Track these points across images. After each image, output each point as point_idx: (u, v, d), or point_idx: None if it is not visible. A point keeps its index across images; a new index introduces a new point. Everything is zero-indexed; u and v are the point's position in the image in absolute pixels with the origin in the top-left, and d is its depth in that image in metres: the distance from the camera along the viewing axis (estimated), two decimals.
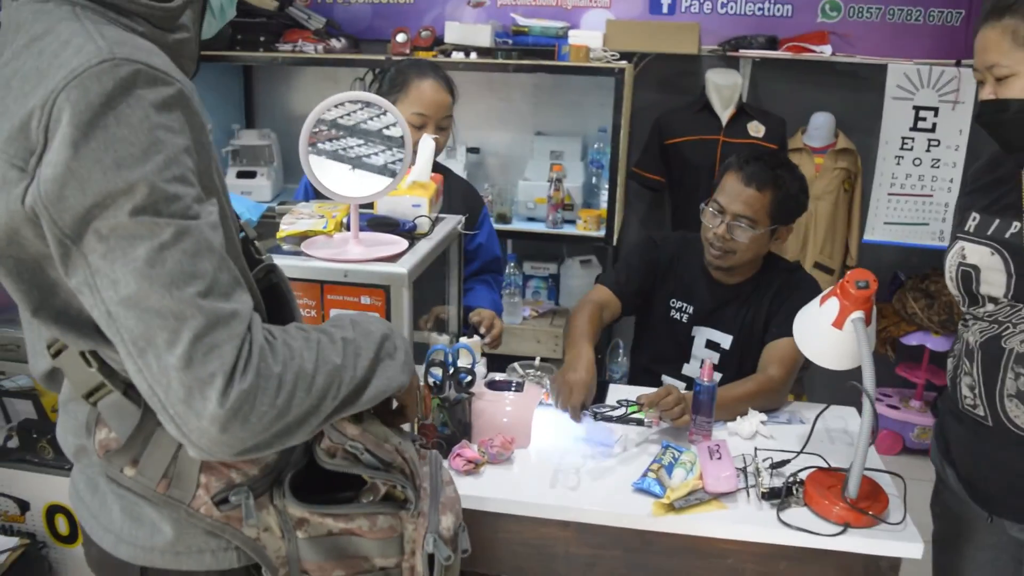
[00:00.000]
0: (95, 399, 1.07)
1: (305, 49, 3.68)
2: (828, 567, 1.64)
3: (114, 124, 0.88)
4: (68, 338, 1.04)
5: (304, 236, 1.83)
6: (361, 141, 1.70)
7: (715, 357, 2.31)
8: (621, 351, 2.90)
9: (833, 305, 1.70)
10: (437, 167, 2.27)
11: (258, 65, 4.08)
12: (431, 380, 1.82)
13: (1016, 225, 1.55)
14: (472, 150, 3.93)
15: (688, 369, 2.36)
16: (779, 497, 1.69)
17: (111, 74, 0.88)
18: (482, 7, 3.90)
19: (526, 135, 3.93)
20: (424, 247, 1.82)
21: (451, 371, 1.81)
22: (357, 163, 1.71)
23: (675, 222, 3.71)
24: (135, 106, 0.89)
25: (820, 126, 3.56)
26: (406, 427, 1.31)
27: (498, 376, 2.05)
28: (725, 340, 2.31)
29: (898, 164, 3.50)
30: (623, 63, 3.40)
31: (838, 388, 1.80)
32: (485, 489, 1.73)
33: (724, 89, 3.51)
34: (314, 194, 2.37)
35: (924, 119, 3.42)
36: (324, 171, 1.68)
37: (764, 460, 1.81)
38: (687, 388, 2.22)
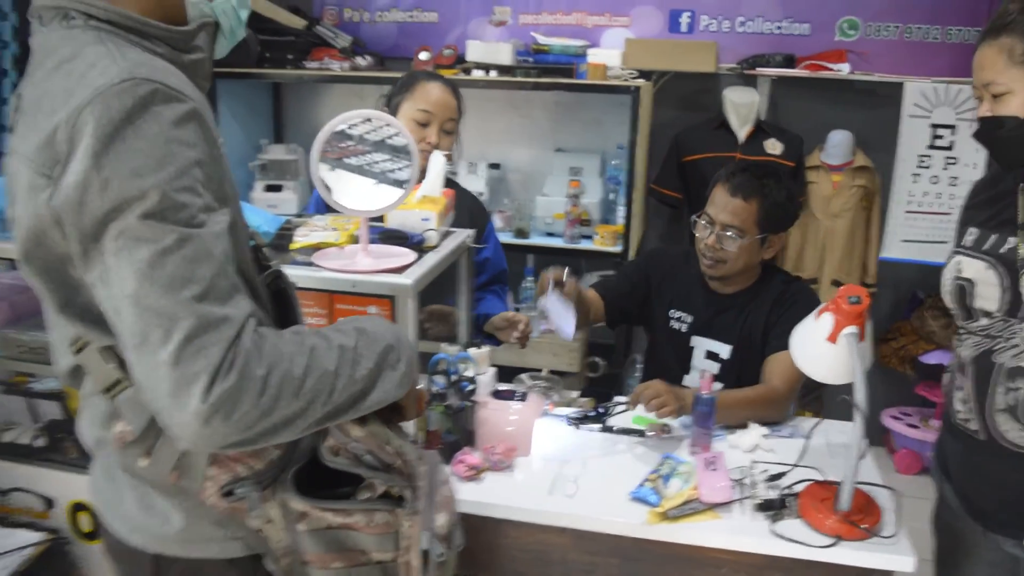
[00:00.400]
0: (113, 394, 1.14)
1: (332, 67, 3.77)
2: None
3: (132, 137, 0.96)
4: (90, 334, 1.12)
5: (317, 248, 1.89)
6: (387, 156, 1.76)
7: (715, 367, 2.34)
8: (638, 365, 2.94)
9: (828, 320, 1.73)
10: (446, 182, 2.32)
11: (286, 82, 4.18)
12: (434, 388, 1.87)
13: (1012, 240, 1.57)
14: (493, 166, 3.99)
15: (688, 380, 2.39)
16: (773, 509, 1.71)
17: (131, 92, 0.97)
18: (504, 26, 3.97)
19: (546, 151, 3.98)
20: (431, 259, 1.88)
21: (453, 379, 1.86)
22: (381, 178, 1.77)
23: (692, 238, 3.72)
24: (152, 121, 0.97)
25: (838, 144, 3.57)
26: (407, 428, 1.36)
27: (502, 386, 2.09)
28: (724, 350, 2.34)
29: (915, 182, 3.51)
30: (639, 81, 3.45)
31: None
32: (486, 495, 1.78)
33: (741, 107, 3.54)
34: (324, 207, 2.44)
35: (941, 137, 3.43)
36: (342, 185, 1.74)
37: (761, 472, 1.84)
38: None
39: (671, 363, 2.43)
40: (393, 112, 2.37)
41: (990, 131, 1.58)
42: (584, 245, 3.62)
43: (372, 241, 1.89)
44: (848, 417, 2.07)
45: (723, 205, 2.24)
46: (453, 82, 2.51)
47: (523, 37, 3.86)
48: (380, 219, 2.01)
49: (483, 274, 2.55)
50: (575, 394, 2.30)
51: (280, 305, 1.28)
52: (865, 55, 3.61)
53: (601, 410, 2.14)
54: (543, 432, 2.04)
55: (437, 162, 2.16)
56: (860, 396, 1.63)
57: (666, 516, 1.69)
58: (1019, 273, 1.55)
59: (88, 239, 0.97)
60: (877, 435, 3.96)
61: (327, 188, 1.72)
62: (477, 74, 3.60)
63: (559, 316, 2.14)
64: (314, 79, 3.82)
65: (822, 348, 1.75)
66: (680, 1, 3.79)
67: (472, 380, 1.89)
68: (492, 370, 2.18)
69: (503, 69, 3.61)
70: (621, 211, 3.63)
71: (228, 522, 1.18)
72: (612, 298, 2.48)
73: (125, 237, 0.96)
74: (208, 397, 0.94)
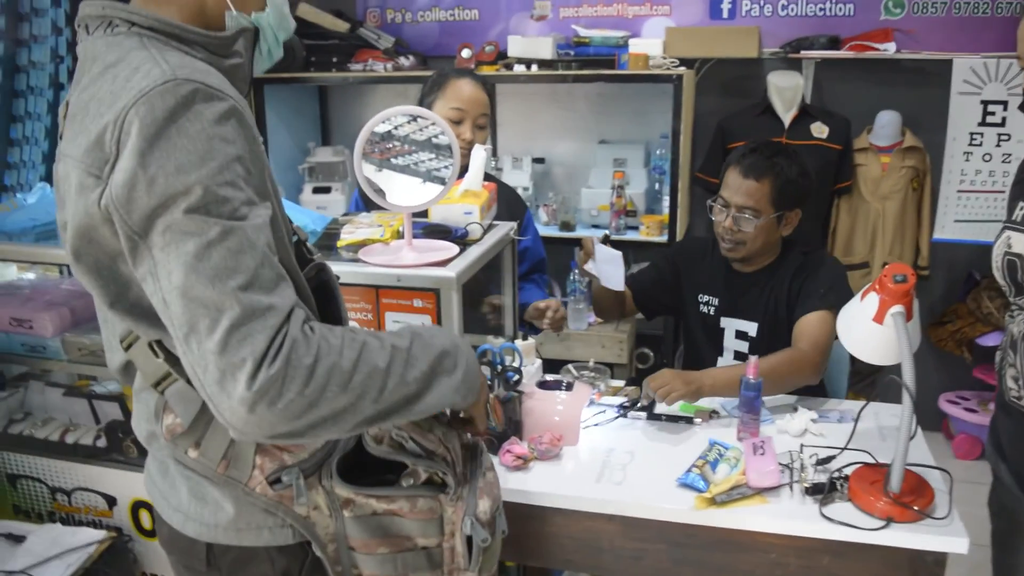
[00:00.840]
0: (162, 387, 1.18)
1: (375, 68, 3.82)
2: (872, 562, 1.65)
3: (176, 135, 1.00)
4: (140, 328, 1.16)
5: (363, 244, 1.92)
6: (431, 155, 1.79)
7: (744, 347, 2.35)
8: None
9: (873, 300, 1.71)
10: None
11: (332, 85, 4.24)
12: None
13: None
14: (537, 160, 4.00)
15: (722, 362, 2.41)
16: (822, 492, 1.70)
17: (173, 92, 1.01)
18: (545, 20, 3.98)
19: (590, 144, 3.98)
20: (474, 252, 1.90)
21: (499, 369, 1.88)
22: (427, 176, 1.80)
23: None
24: (194, 119, 1.01)
25: (886, 124, 3.52)
26: None
27: (549, 377, 2.11)
28: (752, 328, 2.35)
29: (967, 160, 3.44)
30: (681, 69, 3.43)
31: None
32: (533, 484, 1.80)
33: (786, 91, 3.51)
34: (364, 205, 2.48)
35: (993, 113, 3.35)
36: (390, 184, 1.77)
37: (810, 456, 1.83)
38: None
39: (705, 347, 2.45)
40: None
41: None
42: (630, 236, 3.62)
43: (416, 236, 1.92)
44: (899, 399, 2.05)
45: (737, 187, 2.24)
46: (483, 77, 2.55)
47: (564, 30, 3.87)
48: (424, 214, 2.04)
49: (523, 263, 2.57)
50: (621, 383, 2.31)
51: (323, 298, 1.31)
52: (912, 33, 3.54)
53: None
54: (590, 421, 2.05)
55: (479, 157, 2.18)
56: (908, 376, 1.61)
57: (714, 501, 1.69)
58: None
59: (137, 235, 1.01)
60: (935, 420, 3.90)
61: (372, 185, 1.75)
62: (519, 69, 3.62)
63: (608, 265, 2.17)
64: (359, 81, 3.87)
65: (868, 328, 1.74)
66: None
67: (518, 370, 1.91)
68: (538, 362, 2.20)
69: (544, 63, 3.62)
70: (666, 201, 3.62)
71: (276, 509, 1.21)
72: (639, 289, 2.53)
73: (172, 231, 0.99)
74: (253, 384, 0.96)
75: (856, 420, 1.85)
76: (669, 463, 1.85)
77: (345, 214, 2.34)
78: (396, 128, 1.77)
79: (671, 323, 3.73)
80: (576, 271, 2.85)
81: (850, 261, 3.63)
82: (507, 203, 2.55)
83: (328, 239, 2.01)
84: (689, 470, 1.78)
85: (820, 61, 3.59)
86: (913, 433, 1.63)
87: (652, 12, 3.85)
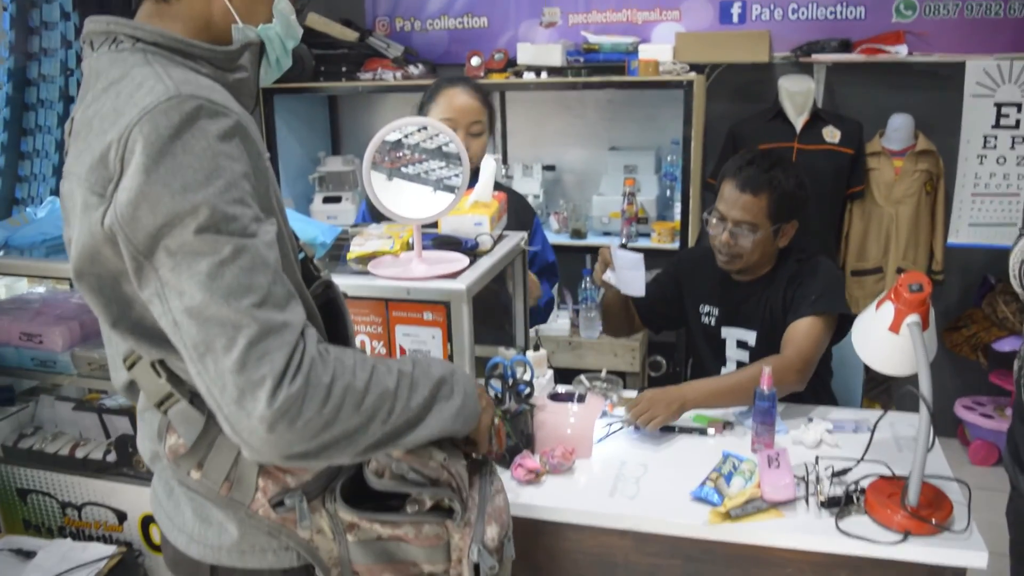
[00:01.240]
0: (165, 407, 1.17)
1: (385, 77, 3.81)
2: None
3: (181, 152, 0.98)
4: (142, 348, 1.15)
5: (372, 256, 1.91)
6: (442, 164, 1.78)
7: (745, 356, 2.34)
8: None
9: (888, 310, 1.69)
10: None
11: (341, 94, 4.24)
12: (492, 392, 1.87)
13: None
14: (548, 168, 3.99)
15: (726, 372, 2.39)
16: (838, 505, 1.68)
17: (177, 109, 0.99)
18: (554, 27, 3.97)
19: (600, 151, 3.97)
20: (485, 264, 1.88)
21: (510, 383, 1.87)
22: (437, 185, 1.79)
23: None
24: (199, 136, 1.00)
25: (899, 128, 3.49)
26: None
27: (561, 388, 2.09)
28: (751, 337, 2.33)
29: (981, 163, 3.40)
30: (692, 75, 3.42)
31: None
32: (546, 499, 1.78)
33: (797, 96, 3.48)
34: (371, 216, 2.47)
35: (1007, 115, 3.32)
36: (401, 194, 1.76)
37: (825, 468, 1.80)
38: None
39: (708, 358, 2.44)
40: None
41: None
42: (642, 243, 3.60)
43: (426, 247, 1.91)
44: (915, 409, 2.03)
45: (733, 201, 2.21)
46: (477, 84, 2.53)
47: (573, 37, 3.86)
48: (434, 225, 2.03)
49: (532, 267, 2.56)
50: (634, 394, 2.29)
51: (330, 316, 1.29)
52: (923, 35, 3.51)
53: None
54: (602, 433, 2.03)
55: (488, 167, 2.17)
56: (925, 387, 1.58)
57: (728, 516, 1.67)
58: None
59: (141, 255, 1.00)
60: (950, 426, 3.86)
61: (380, 196, 1.74)
62: (528, 77, 3.60)
63: (629, 271, 2.16)
64: (368, 90, 3.87)
65: (884, 338, 1.72)
66: None
67: (529, 383, 1.89)
68: (550, 372, 2.18)
69: (554, 70, 3.61)
70: (678, 207, 3.60)
71: (279, 532, 1.20)
72: (644, 304, 2.50)
73: (183, 252, 0.98)
74: (274, 402, 0.96)
75: (872, 431, 1.82)
76: (683, 476, 1.83)
77: (354, 225, 2.34)
78: (406, 137, 1.76)
79: (684, 332, 3.71)
80: (588, 279, 2.83)
81: (863, 266, 3.60)
82: (515, 210, 2.53)
83: (338, 250, 2.00)
84: (703, 483, 1.76)
85: (831, 65, 3.56)
86: (931, 445, 1.61)
87: (662, 18, 3.83)
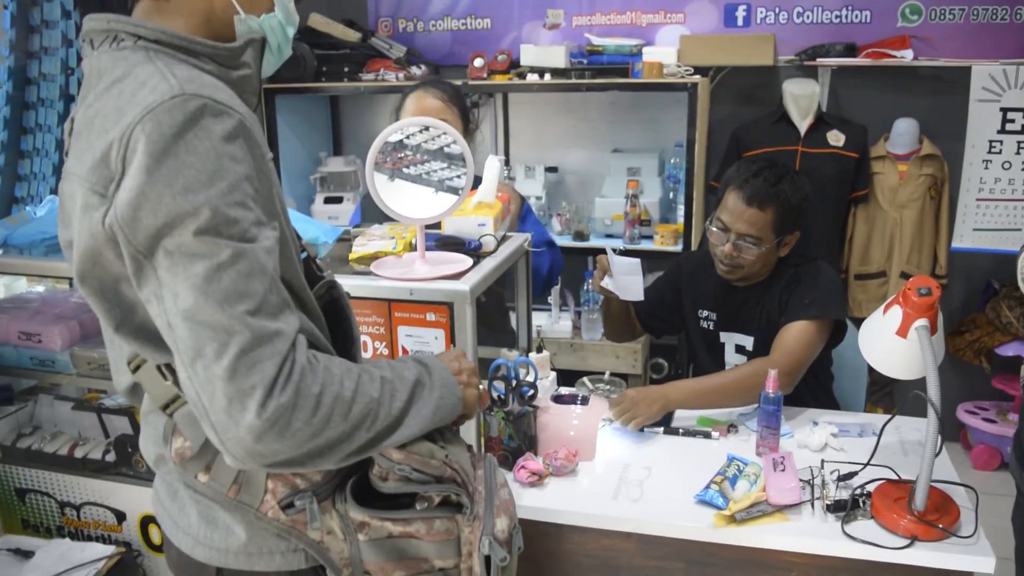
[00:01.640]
0: (171, 410, 1.16)
1: (387, 77, 3.80)
2: None
3: (184, 152, 0.97)
4: (146, 352, 1.13)
5: (375, 257, 1.90)
6: (444, 165, 1.77)
7: (744, 361, 2.32)
8: None
9: (896, 314, 1.68)
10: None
11: (343, 95, 4.23)
12: (494, 393, 1.86)
13: None
14: (551, 169, 3.98)
15: None
16: (844, 509, 1.66)
17: (181, 108, 0.98)
18: (558, 28, 3.96)
19: (603, 153, 3.96)
20: (488, 265, 1.88)
21: (513, 384, 1.85)
22: (439, 186, 1.77)
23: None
24: (202, 137, 0.98)
25: (903, 132, 3.48)
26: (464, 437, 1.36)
27: (564, 390, 2.08)
28: (748, 342, 2.32)
29: (986, 168, 3.39)
30: (696, 78, 3.41)
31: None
32: (549, 501, 1.76)
33: (801, 99, 3.47)
34: (361, 217, 2.46)
35: (1012, 120, 3.30)
36: (402, 195, 1.75)
37: (831, 472, 1.79)
38: None
39: (707, 363, 2.42)
40: None
41: None
42: (644, 245, 3.59)
43: (429, 248, 1.89)
44: (920, 413, 2.01)
45: (739, 214, 2.17)
46: (446, 84, 2.51)
47: (577, 39, 3.85)
48: (437, 226, 2.01)
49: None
50: None
51: (334, 316, 1.28)
52: (929, 40, 3.50)
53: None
54: (606, 435, 2.02)
55: (493, 168, 2.16)
56: (933, 391, 1.57)
57: (733, 519, 1.65)
58: None
59: (141, 255, 0.98)
60: (953, 430, 3.84)
61: (383, 197, 1.73)
62: (532, 78, 3.59)
63: (627, 276, 2.15)
64: (370, 90, 3.86)
65: (892, 342, 1.71)
66: None
67: (532, 385, 1.88)
68: (553, 374, 2.17)
69: (557, 72, 3.59)
70: (681, 210, 3.59)
71: (289, 534, 1.18)
72: (644, 310, 2.49)
73: (180, 253, 0.96)
74: (263, 411, 0.94)
75: (879, 435, 1.81)
76: (687, 479, 1.81)
77: (356, 225, 2.33)
78: (408, 137, 1.75)
79: (684, 334, 3.70)
80: (590, 281, 2.82)
81: (867, 270, 3.59)
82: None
83: (339, 251, 1.99)
84: (708, 486, 1.75)
85: (836, 69, 3.55)
86: (939, 449, 1.59)
87: (666, 20, 3.82)
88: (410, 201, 1.77)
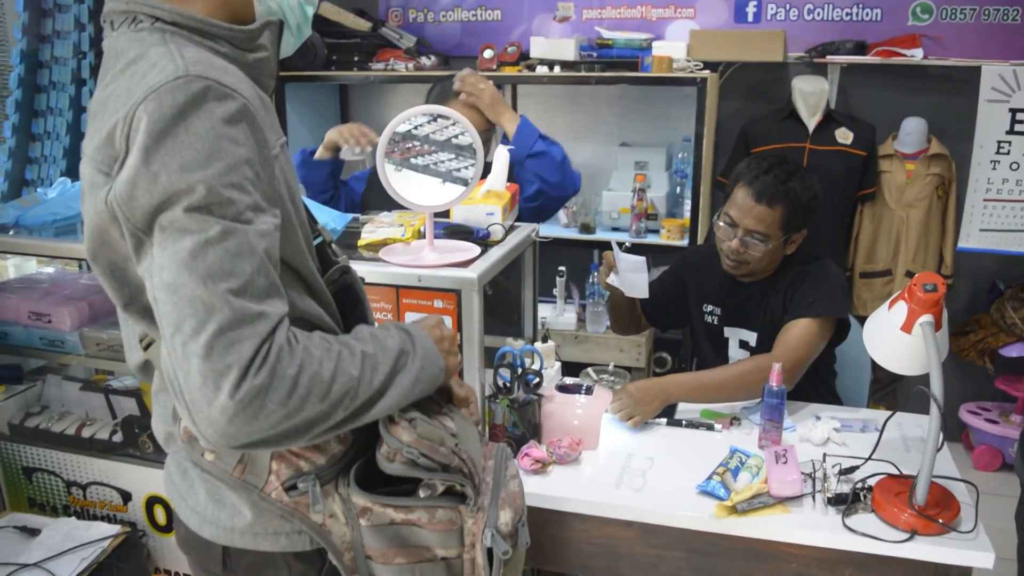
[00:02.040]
0: None
1: (397, 67, 3.81)
2: (895, 575, 1.62)
3: (183, 133, 0.97)
4: (153, 331, 1.14)
5: (383, 244, 1.91)
6: (452, 155, 1.78)
7: (747, 356, 2.32)
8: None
9: (901, 309, 1.69)
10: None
11: (353, 84, 4.24)
12: (500, 381, 1.87)
13: None
14: None
15: None
16: (845, 503, 1.68)
17: (184, 89, 0.98)
18: (568, 21, 3.96)
19: (611, 146, 3.96)
20: (496, 253, 1.89)
21: (519, 372, 1.87)
22: (447, 176, 1.78)
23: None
24: (203, 117, 0.99)
25: (912, 131, 3.48)
26: (476, 423, 1.36)
27: (569, 380, 2.09)
28: (752, 338, 2.33)
29: (994, 169, 3.38)
30: (705, 73, 3.41)
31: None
32: (552, 488, 1.78)
33: (810, 96, 3.47)
34: (358, 208, 2.50)
35: (1021, 121, 3.30)
36: (409, 184, 1.76)
37: (833, 466, 1.80)
38: None
39: (711, 357, 2.43)
40: None
41: None
42: (650, 239, 3.60)
43: (437, 236, 1.91)
44: (923, 410, 2.03)
45: (747, 210, 2.17)
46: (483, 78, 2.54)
47: (587, 32, 3.85)
48: (446, 215, 2.03)
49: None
50: None
51: (348, 301, 1.29)
52: (939, 39, 3.50)
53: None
54: (610, 426, 2.03)
55: (502, 157, 2.17)
56: (936, 386, 1.58)
57: (734, 510, 1.67)
58: None
59: (141, 231, 0.99)
60: (955, 431, 3.85)
61: (392, 185, 1.74)
62: (541, 70, 3.60)
63: (632, 273, 2.16)
64: (380, 80, 3.86)
65: (896, 338, 1.72)
66: None
67: (538, 373, 1.89)
68: (557, 364, 2.18)
69: (567, 65, 3.60)
70: (688, 204, 3.59)
71: (292, 516, 1.19)
72: (650, 303, 2.50)
73: (172, 229, 0.97)
74: (237, 392, 0.93)
75: (881, 430, 1.82)
76: (689, 469, 1.83)
77: (365, 212, 2.34)
78: (416, 128, 1.76)
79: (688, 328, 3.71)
80: (596, 274, 2.82)
81: (873, 268, 3.60)
82: None
83: (348, 237, 2.00)
84: (710, 477, 1.76)
85: (846, 66, 3.55)
86: (940, 445, 1.60)
87: (676, 15, 3.83)
88: (416, 191, 1.78)
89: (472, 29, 4.10)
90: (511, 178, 2.30)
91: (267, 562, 1.22)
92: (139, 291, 1.11)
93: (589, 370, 2.26)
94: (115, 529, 2.26)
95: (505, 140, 2.49)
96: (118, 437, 2.38)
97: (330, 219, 2.06)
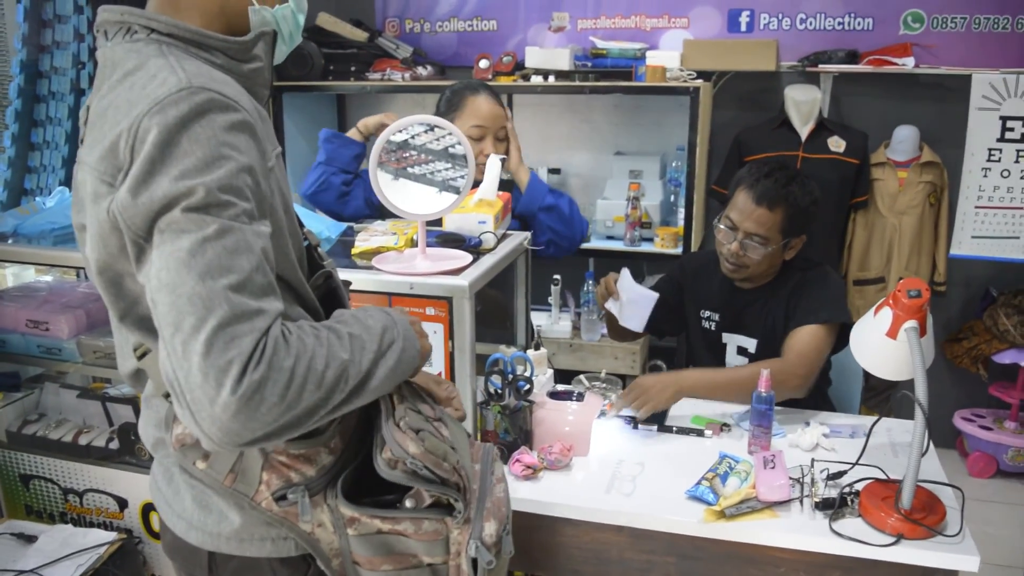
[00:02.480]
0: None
1: (393, 77, 3.83)
2: None
3: (186, 141, 1.00)
4: (149, 342, 1.17)
5: (377, 252, 1.94)
6: (448, 165, 1.80)
7: (745, 363, 2.34)
8: None
9: (886, 315, 1.71)
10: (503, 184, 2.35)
11: (350, 93, 4.27)
12: (492, 388, 1.89)
13: None
14: (553, 171, 4.00)
15: None
16: (833, 507, 1.69)
17: (188, 100, 1.01)
18: (563, 31, 3.99)
19: (606, 155, 3.99)
20: (487, 262, 1.91)
21: (510, 379, 1.88)
22: (443, 185, 1.81)
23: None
24: (206, 126, 1.01)
25: (904, 139, 3.51)
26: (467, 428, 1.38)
27: (560, 387, 2.11)
28: (751, 344, 2.34)
29: (985, 176, 3.41)
30: (699, 82, 3.43)
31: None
32: (543, 494, 1.80)
33: (803, 105, 3.50)
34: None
35: (1012, 129, 3.32)
36: (405, 193, 1.78)
37: (821, 471, 1.82)
38: None
39: (707, 363, 2.44)
40: None
41: None
42: (644, 248, 3.61)
43: (430, 244, 1.93)
44: (912, 416, 2.04)
45: (748, 213, 2.20)
46: (496, 92, 2.55)
47: (582, 42, 3.88)
48: (439, 223, 2.05)
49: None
50: None
51: (331, 304, 1.30)
52: (931, 48, 3.53)
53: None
54: (601, 432, 2.05)
55: (493, 166, 2.19)
56: (921, 391, 1.60)
57: (723, 515, 1.68)
58: None
59: (140, 239, 1.01)
60: (950, 438, 3.86)
61: (386, 194, 1.76)
62: (536, 80, 3.62)
63: (635, 305, 2.20)
64: (377, 90, 3.89)
65: (882, 343, 1.74)
66: (739, 0, 3.76)
67: (529, 380, 1.91)
68: (550, 372, 2.20)
69: (562, 74, 3.63)
70: (682, 213, 3.61)
71: (281, 524, 1.21)
72: None
73: (170, 230, 0.98)
74: (239, 387, 0.93)
75: (868, 436, 1.83)
76: (679, 475, 1.84)
77: (359, 221, 2.36)
78: (413, 137, 1.78)
79: (684, 336, 3.72)
80: (591, 282, 2.84)
81: (866, 276, 3.62)
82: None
83: (343, 246, 2.02)
84: (699, 482, 1.78)
85: (838, 75, 3.58)
86: (925, 449, 1.62)
87: (670, 25, 3.86)
88: (412, 198, 1.80)
89: (468, 39, 4.13)
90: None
91: (252, 567, 1.24)
92: (136, 302, 1.13)
93: (581, 377, 2.27)
94: (111, 536, 2.28)
95: (516, 191, 2.51)
96: (115, 445, 2.40)
97: (325, 227, 2.09)
